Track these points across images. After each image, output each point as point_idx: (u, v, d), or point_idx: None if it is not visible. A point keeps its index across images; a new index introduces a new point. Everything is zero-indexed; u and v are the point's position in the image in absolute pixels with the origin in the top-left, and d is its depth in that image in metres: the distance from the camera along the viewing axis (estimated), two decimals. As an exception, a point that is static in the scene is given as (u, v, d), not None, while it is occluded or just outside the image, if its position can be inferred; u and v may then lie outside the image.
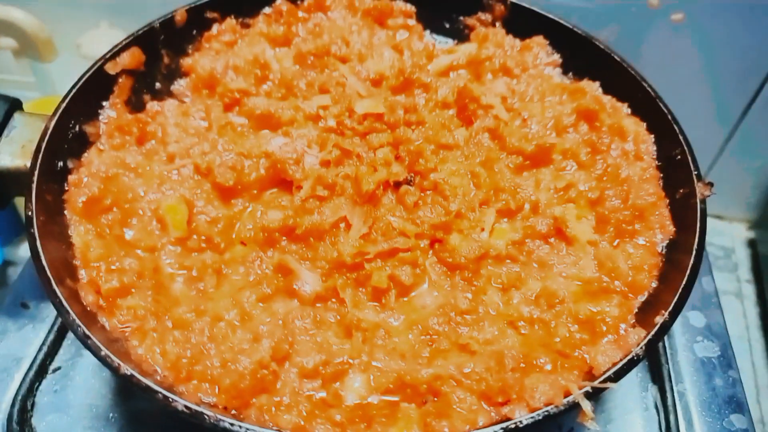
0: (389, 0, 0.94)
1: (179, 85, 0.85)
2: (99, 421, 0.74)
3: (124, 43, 0.80)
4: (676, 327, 0.84)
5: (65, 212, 0.67)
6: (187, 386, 0.55)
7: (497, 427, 0.49)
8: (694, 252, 0.60)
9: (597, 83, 0.83)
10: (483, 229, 0.68)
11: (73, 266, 0.63)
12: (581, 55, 0.86)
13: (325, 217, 0.69)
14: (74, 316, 0.53)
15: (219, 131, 0.79)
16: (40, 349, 0.78)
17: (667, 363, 0.79)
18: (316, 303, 0.65)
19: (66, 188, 0.69)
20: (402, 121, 0.77)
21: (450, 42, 0.95)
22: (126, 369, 0.51)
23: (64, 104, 0.72)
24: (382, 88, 0.85)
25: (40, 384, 0.76)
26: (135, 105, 0.81)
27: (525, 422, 0.49)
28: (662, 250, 0.66)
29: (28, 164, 0.68)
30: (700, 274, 0.75)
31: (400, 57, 0.88)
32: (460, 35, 0.95)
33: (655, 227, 0.67)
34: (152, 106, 0.81)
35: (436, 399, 0.55)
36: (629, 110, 0.79)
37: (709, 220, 1.51)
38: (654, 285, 0.64)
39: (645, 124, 0.77)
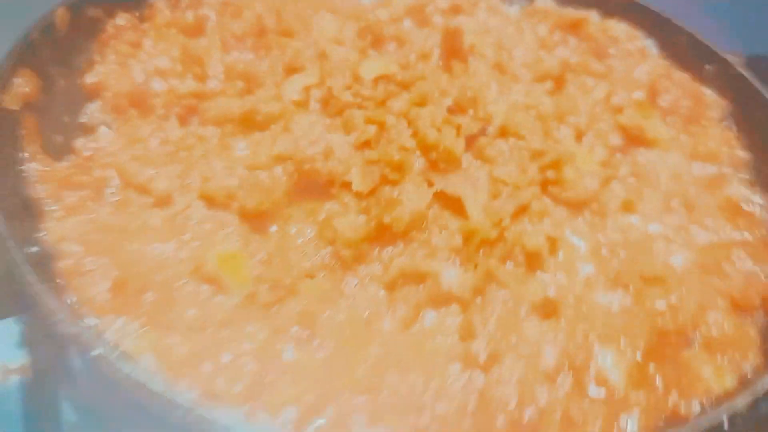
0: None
1: (93, 113, 0.59)
2: None
3: (7, 65, 0.52)
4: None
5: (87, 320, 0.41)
6: None
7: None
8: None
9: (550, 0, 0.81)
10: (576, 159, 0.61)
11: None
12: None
13: (418, 199, 0.54)
14: None
15: (199, 150, 0.57)
16: None
17: None
18: (476, 298, 0.50)
19: (62, 283, 0.42)
20: (418, 76, 0.65)
21: (373, 0, 0.84)
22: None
23: (-20, 167, 0.44)
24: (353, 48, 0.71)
25: None
26: (52, 150, 0.54)
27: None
28: (730, 123, 0.67)
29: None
30: None
31: (343, 20, 0.75)
32: (380, -14, 0.84)
33: (712, 105, 0.67)
34: (82, 143, 0.55)
35: (699, 332, 0.47)
36: (600, 13, 0.78)
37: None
38: (750, 154, 0.63)
39: (625, 22, 0.77)
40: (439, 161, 0.57)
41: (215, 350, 0.42)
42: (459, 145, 0.56)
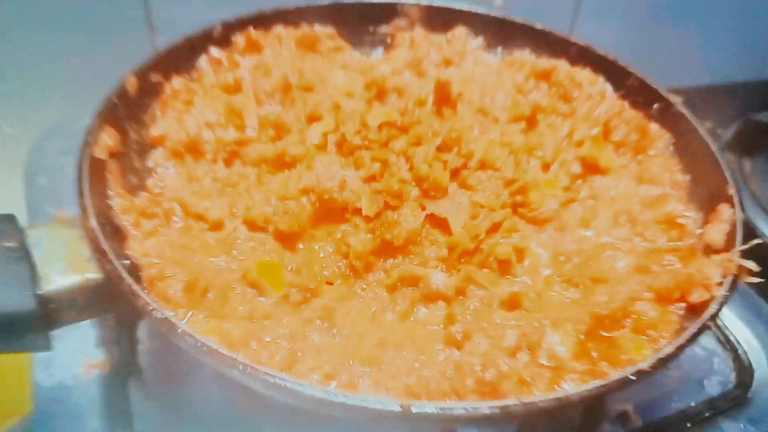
0: (310, 27, 0.96)
1: (156, 159, 0.76)
2: None
3: (96, 123, 0.69)
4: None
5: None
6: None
7: (713, 308, 0.56)
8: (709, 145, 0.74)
9: (527, 50, 0.96)
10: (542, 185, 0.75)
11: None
12: (501, 34, 0.98)
13: (414, 220, 0.69)
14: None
15: (242, 185, 0.73)
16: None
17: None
18: (458, 296, 0.65)
19: (144, 286, 0.58)
20: (415, 121, 0.80)
21: (378, 52, 1.00)
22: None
23: (86, 202, 0.60)
24: (361, 100, 0.86)
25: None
26: (129, 190, 0.70)
27: (726, 292, 0.57)
28: (673, 152, 0.81)
29: (89, 276, 0.56)
30: None
31: (353, 75, 0.91)
32: (385, 44, 1.00)
33: (657, 137, 0.81)
34: (153, 183, 0.71)
35: (631, 319, 0.60)
36: (568, 63, 0.93)
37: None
38: (688, 178, 0.77)
39: (589, 68, 0.91)
40: (430, 190, 0.71)
41: (260, 334, 0.56)
42: (445, 177, 0.71)
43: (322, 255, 0.69)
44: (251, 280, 0.63)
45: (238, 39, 0.89)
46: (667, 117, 0.82)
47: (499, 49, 0.99)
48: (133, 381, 0.76)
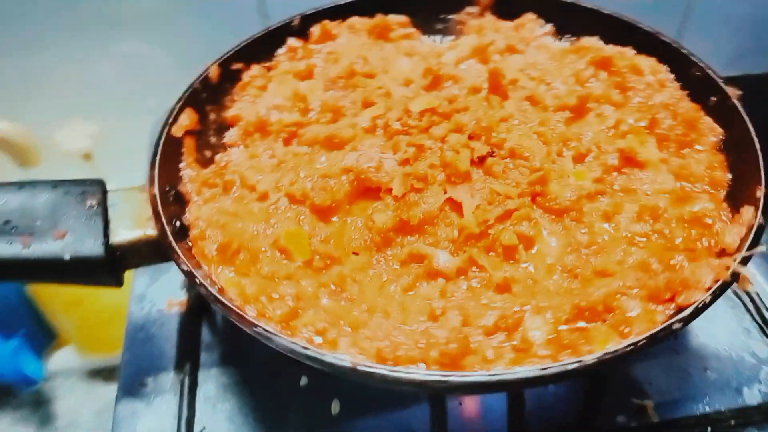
0: (383, 15, 1.03)
1: (231, 136, 0.89)
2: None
3: (177, 106, 0.83)
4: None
5: (203, 266, 0.69)
6: (398, 368, 0.59)
7: (686, 312, 0.57)
8: (756, 143, 0.70)
9: (596, 37, 0.95)
10: (569, 176, 0.77)
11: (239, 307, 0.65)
12: (571, 20, 0.97)
13: (431, 206, 0.75)
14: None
15: (292, 163, 0.83)
16: (180, 417, 0.78)
17: None
18: (459, 276, 0.70)
19: (190, 244, 0.71)
20: (454, 109, 0.85)
21: (448, 39, 1.05)
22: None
23: (155, 172, 0.74)
24: (416, 87, 0.92)
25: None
26: (202, 162, 0.84)
27: (709, 299, 0.57)
28: (720, 148, 0.77)
29: (148, 231, 0.70)
30: None
31: (416, 62, 0.97)
32: (456, 32, 1.04)
33: (707, 132, 0.78)
34: (221, 157, 0.84)
35: (614, 314, 0.62)
36: (634, 52, 0.91)
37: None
38: (729, 176, 0.74)
39: (654, 58, 0.89)
40: (451, 175, 0.77)
41: (271, 291, 0.67)
42: (465, 163, 0.76)
43: (352, 228, 0.78)
44: (280, 246, 0.73)
45: (314, 29, 0.99)
46: (722, 111, 0.79)
47: (568, 36, 0.98)
48: (204, 320, 0.92)
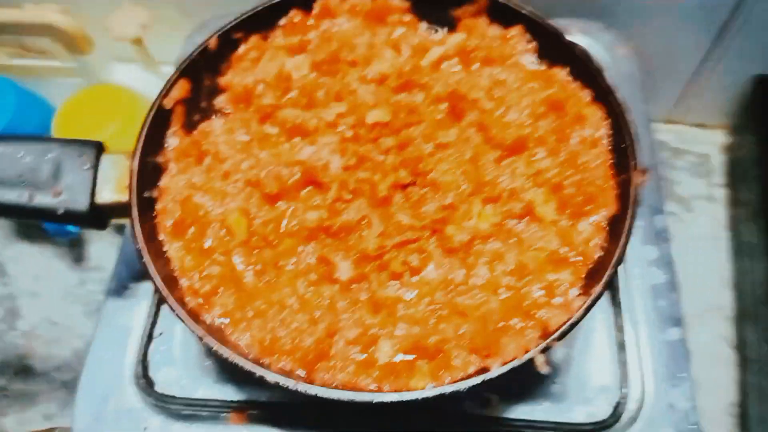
0: (385, -1, 1.09)
1: (220, 101, 1.04)
2: (198, 369, 1.02)
3: (173, 78, 0.98)
4: (633, 260, 1.06)
5: (159, 234, 0.90)
6: (271, 359, 0.81)
7: (479, 378, 0.74)
8: (623, 236, 0.81)
9: (566, 70, 1.00)
10: (471, 218, 0.90)
11: (174, 278, 0.87)
12: (552, 45, 1.02)
13: (352, 216, 0.91)
14: (195, 325, 0.78)
15: (259, 143, 0.99)
16: (147, 320, 1.05)
17: (622, 290, 1.03)
18: (351, 285, 0.89)
19: (155, 215, 0.91)
20: (404, 123, 0.96)
21: (441, 30, 1.11)
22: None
23: (140, 145, 0.92)
24: (386, 86, 1.03)
25: (149, 346, 1.04)
26: (188, 126, 1.01)
27: (497, 372, 0.74)
28: (606, 226, 0.88)
29: (124, 198, 0.90)
30: (653, 213, 0.97)
31: (398, 55, 1.05)
32: (450, 24, 1.10)
33: (602, 208, 0.88)
34: (203, 126, 1.01)
35: (441, 355, 0.81)
36: (591, 96, 0.97)
37: (690, 129, 1.71)
38: (599, 254, 0.86)
39: (602, 110, 0.95)
40: (372, 198, 0.91)
41: (203, 267, 0.88)
42: (381, 192, 0.90)
43: (297, 214, 0.95)
44: (225, 224, 0.93)
45: (315, 5, 1.08)
46: (623, 190, 0.88)
47: (545, 60, 1.03)
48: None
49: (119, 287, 1.08)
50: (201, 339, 0.78)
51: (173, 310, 0.80)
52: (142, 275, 1.07)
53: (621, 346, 1.00)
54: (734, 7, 1.27)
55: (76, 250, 1.52)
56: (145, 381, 1.00)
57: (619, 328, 1.01)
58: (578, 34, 1.25)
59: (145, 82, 1.51)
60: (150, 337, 1.05)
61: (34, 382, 1.46)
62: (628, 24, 1.34)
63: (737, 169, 1.57)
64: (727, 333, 1.39)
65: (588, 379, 0.98)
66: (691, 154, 1.64)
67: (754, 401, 1.26)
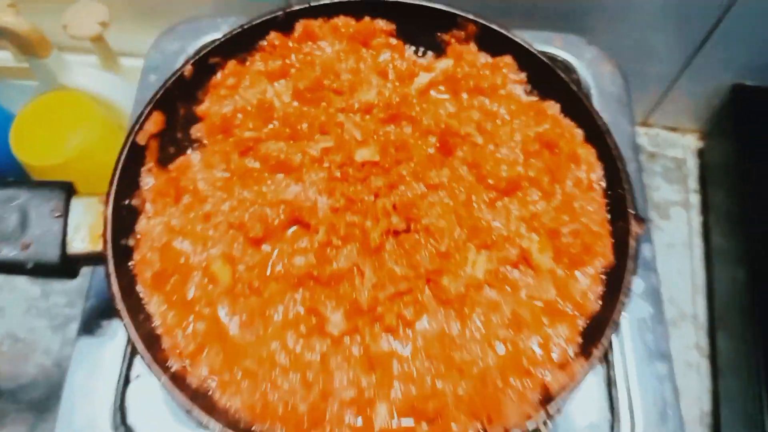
0: (370, 20, 1.03)
1: (196, 131, 0.97)
2: (180, 413, 0.98)
3: (146, 111, 0.91)
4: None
5: (137, 287, 0.85)
6: (263, 425, 0.78)
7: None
8: (622, 294, 0.79)
9: (558, 105, 0.97)
10: (467, 265, 0.88)
11: (156, 336, 0.82)
12: (544, 77, 0.98)
13: (342, 264, 0.87)
14: (183, 398, 0.74)
15: (240, 181, 0.94)
16: (123, 362, 1.00)
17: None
18: (344, 338, 0.85)
19: (132, 265, 0.86)
20: (394, 161, 0.92)
21: (429, 54, 1.05)
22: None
23: (113, 189, 0.86)
24: (373, 117, 0.98)
25: (126, 390, 0.99)
26: (163, 160, 0.94)
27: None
28: (603, 276, 0.86)
29: (98, 248, 0.84)
30: (641, 241, 0.96)
31: (385, 84, 1.00)
32: (438, 49, 1.05)
33: (599, 257, 0.86)
34: (180, 162, 0.94)
35: (439, 418, 0.79)
36: (583, 136, 0.94)
37: (664, 132, 1.71)
38: (597, 307, 0.85)
39: (595, 151, 0.92)
40: (363, 246, 0.88)
41: (187, 322, 0.83)
42: (374, 241, 0.86)
43: (283, 258, 0.91)
44: (208, 272, 0.88)
45: (297, 27, 1.01)
46: (620, 240, 0.86)
47: (536, 91, 1.00)
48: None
49: (91, 325, 1.02)
50: (189, 413, 0.74)
51: (158, 378, 0.76)
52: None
53: (610, 382, 1.00)
54: (714, 16, 1.26)
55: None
56: (124, 429, 0.95)
57: (609, 363, 1.01)
58: (560, 50, 1.22)
59: (108, 83, 1.41)
60: (127, 381, 1.00)
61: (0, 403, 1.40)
62: (608, 35, 1.31)
63: (709, 174, 1.58)
64: (701, 341, 1.42)
65: (577, 418, 0.98)
66: (666, 158, 1.65)
67: (727, 410, 1.30)
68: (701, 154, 1.64)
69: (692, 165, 1.64)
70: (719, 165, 1.56)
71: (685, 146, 1.66)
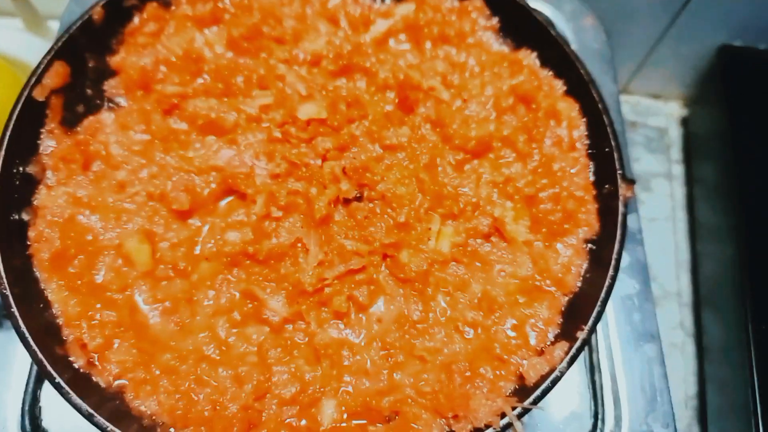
0: (320, -42, 0.89)
1: (110, 87, 0.82)
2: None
3: (45, 62, 0.76)
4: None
5: (34, 270, 0.70)
6: (185, 431, 0.65)
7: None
8: (611, 266, 0.67)
9: (534, 54, 0.84)
10: (429, 238, 0.75)
11: (56, 326, 0.68)
12: (518, 22, 0.85)
13: (283, 239, 0.74)
14: (76, 397, 0.60)
15: (163, 144, 0.79)
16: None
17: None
18: (285, 325, 0.72)
19: (28, 244, 0.71)
20: (345, 119, 0.79)
21: (387, 0, 0.92)
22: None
23: (2, 152, 0.71)
24: (321, 70, 0.84)
25: (41, 390, 0.84)
26: (70, 121, 0.79)
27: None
28: (587, 248, 0.74)
29: (-16, 224, 0.69)
30: (628, 210, 0.84)
31: (335, 32, 0.86)
32: (397, -8, 0.91)
33: (582, 225, 0.74)
34: (89, 122, 0.79)
35: (397, 417, 0.66)
36: (564, 88, 0.82)
37: (646, 100, 1.59)
38: (579, 284, 0.73)
39: (578, 105, 0.80)
40: (308, 217, 0.74)
41: (94, 311, 0.69)
42: (319, 211, 0.73)
43: (215, 234, 0.77)
44: (122, 252, 0.74)
45: (230, -37, 0.86)
46: (607, 205, 0.74)
47: (509, 39, 0.87)
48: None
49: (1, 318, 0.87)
50: (90, 418, 0.60)
51: (50, 381, 0.62)
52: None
53: (593, 368, 0.88)
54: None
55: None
56: (36, 434, 0.81)
57: (590, 347, 0.89)
58: (537, 3, 1.09)
59: (29, 46, 1.25)
60: (40, 379, 0.85)
61: None
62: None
63: (694, 144, 1.47)
64: (685, 320, 1.32)
65: (557, 407, 0.87)
66: (648, 128, 1.54)
67: (713, 393, 1.20)
68: (685, 122, 1.53)
69: (675, 134, 1.53)
70: (705, 133, 1.45)
71: (667, 114, 1.55)
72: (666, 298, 1.34)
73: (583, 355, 0.90)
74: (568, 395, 0.89)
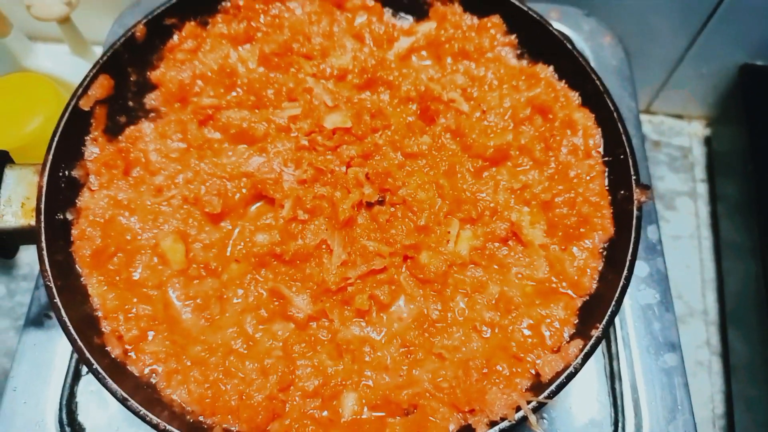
0: (346, -20, 0.94)
1: (151, 99, 0.88)
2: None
3: (91, 74, 0.82)
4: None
5: (76, 265, 0.75)
6: (213, 419, 0.68)
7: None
8: (626, 267, 0.69)
9: (551, 68, 0.87)
10: (448, 241, 0.78)
11: (95, 318, 0.72)
12: (536, 38, 0.89)
13: (308, 240, 0.77)
14: (112, 383, 0.64)
15: (198, 152, 0.84)
16: (72, 356, 0.90)
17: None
18: (310, 322, 0.75)
19: (72, 241, 0.76)
20: (369, 129, 0.83)
21: (410, 18, 0.96)
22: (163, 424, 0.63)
23: (50, 157, 0.76)
24: (347, 83, 0.89)
25: (76, 386, 0.89)
26: (112, 130, 0.85)
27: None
28: (603, 251, 0.76)
29: (32, 222, 0.75)
30: (645, 223, 0.86)
31: (361, 48, 0.91)
32: (420, 11, 0.96)
33: (598, 229, 0.76)
34: (131, 131, 0.85)
35: (415, 410, 0.68)
36: (580, 100, 0.84)
37: (669, 120, 1.61)
38: (595, 285, 0.74)
39: (594, 115, 0.83)
40: (332, 219, 0.78)
41: (130, 306, 0.73)
42: (343, 213, 0.76)
43: (244, 236, 0.81)
44: (158, 251, 0.78)
45: (264, -15, 0.92)
46: (623, 210, 0.76)
47: (527, 54, 0.90)
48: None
49: (38, 316, 0.92)
50: (124, 402, 0.64)
51: (89, 367, 0.66)
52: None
53: (613, 376, 0.89)
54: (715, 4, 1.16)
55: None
56: (71, 430, 0.85)
57: (611, 355, 0.90)
58: (556, 22, 1.13)
59: (75, 68, 1.32)
60: (77, 375, 0.89)
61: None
62: (607, 11, 1.22)
63: (717, 163, 1.48)
64: (712, 339, 1.31)
65: (577, 413, 0.87)
66: (671, 147, 1.55)
67: (741, 412, 1.19)
68: (708, 141, 1.54)
69: (699, 153, 1.54)
70: (728, 152, 1.45)
71: (691, 133, 1.56)
72: (692, 316, 1.34)
73: (604, 364, 0.91)
74: (588, 402, 0.89)
